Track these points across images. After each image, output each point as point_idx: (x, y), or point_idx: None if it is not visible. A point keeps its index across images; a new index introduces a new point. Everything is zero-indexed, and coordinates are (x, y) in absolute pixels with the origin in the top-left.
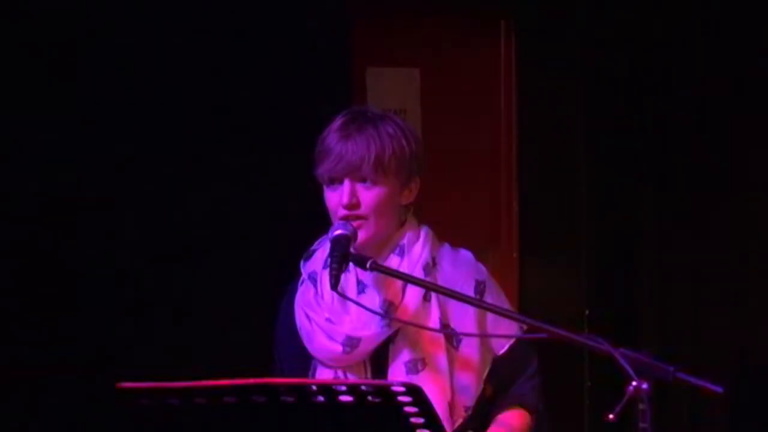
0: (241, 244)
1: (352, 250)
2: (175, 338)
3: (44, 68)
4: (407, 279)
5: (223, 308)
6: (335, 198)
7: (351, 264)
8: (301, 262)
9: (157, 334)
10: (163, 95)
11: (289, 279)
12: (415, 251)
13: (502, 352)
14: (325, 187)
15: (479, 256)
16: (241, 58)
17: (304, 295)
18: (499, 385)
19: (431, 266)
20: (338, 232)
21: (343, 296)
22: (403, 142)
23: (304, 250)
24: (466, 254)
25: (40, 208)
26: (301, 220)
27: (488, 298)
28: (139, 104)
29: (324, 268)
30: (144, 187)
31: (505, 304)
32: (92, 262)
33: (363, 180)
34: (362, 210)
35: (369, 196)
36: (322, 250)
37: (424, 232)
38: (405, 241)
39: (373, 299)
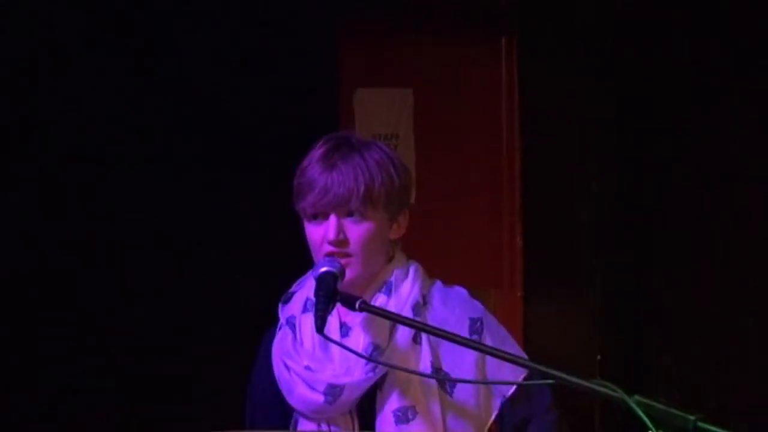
0: (217, 284)
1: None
2: (152, 388)
3: (38, 68)
4: (401, 320)
5: (196, 355)
6: (319, 233)
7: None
8: (279, 306)
9: (134, 383)
10: (146, 118)
11: (269, 324)
12: (403, 289)
13: (510, 393)
14: (306, 222)
15: (479, 296)
16: (221, 81)
17: (281, 342)
18: (515, 428)
19: (421, 305)
20: (324, 269)
21: (330, 339)
22: (392, 171)
23: (283, 292)
24: (459, 291)
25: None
26: (280, 258)
27: (487, 338)
28: (127, 126)
29: (303, 311)
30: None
31: (507, 343)
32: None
33: (350, 214)
34: (350, 247)
35: (357, 231)
36: (301, 292)
37: (413, 268)
38: (392, 278)
39: (357, 343)
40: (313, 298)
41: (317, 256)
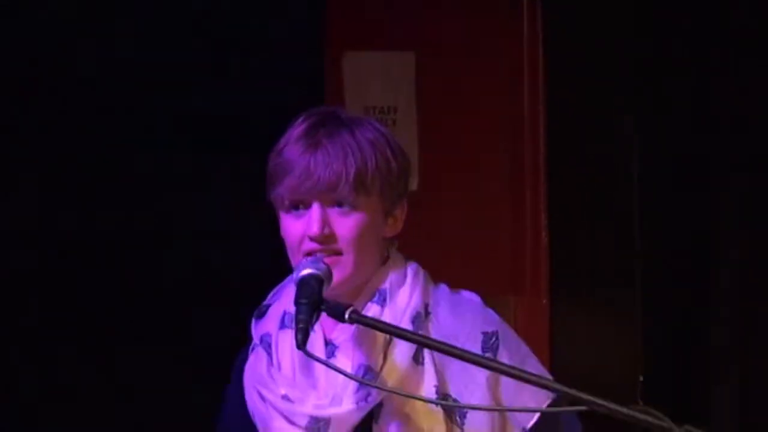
0: (216, 284)
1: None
2: (150, 389)
3: (37, 67)
4: (403, 335)
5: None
6: (299, 227)
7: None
8: (252, 322)
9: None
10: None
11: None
12: (400, 298)
13: (530, 424)
14: (282, 213)
15: (496, 304)
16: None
17: (254, 366)
18: None
19: (423, 316)
20: (307, 271)
21: (313, 356)
22: (388, 153)
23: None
24: (470, 298)
25: None
26: (257, 252)
27: (504, 356)
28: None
29: (281, 328)
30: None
31: (529, 362)
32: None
33: (338, 203)
34: (338, 243)
35: (346, 224)
36: (277, 305)
37: (411, 271)
38: (387, 284)
39: (345, 364)
40: (292, 311)
41: (295, 255)
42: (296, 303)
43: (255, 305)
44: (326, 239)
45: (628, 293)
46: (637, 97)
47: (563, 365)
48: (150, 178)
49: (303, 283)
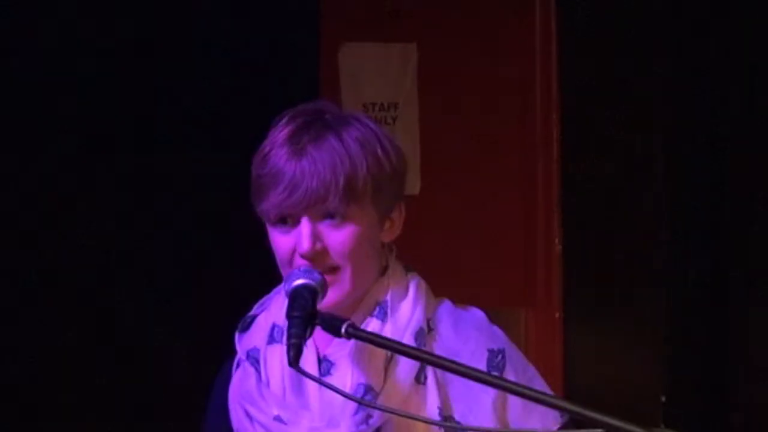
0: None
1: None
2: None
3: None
4: (407, 351)
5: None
6: (288, 243)
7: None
8: (236, 335)
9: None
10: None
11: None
12: (402, 313)
13: None
14: (269, 227)
15: (507, 317)
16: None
17: (241, 383)
18: None
19: (425, 333)
20: (299, 282)
21: (306, 374)
22: (379, 152)
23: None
24: (475, 314)
25: None
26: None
27: (510, 375)
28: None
29: (270, 342)
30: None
31: (536, 383)
32: None
33: (329, 215)
34: (332, 259)
35: (339, 237)
36: (265, 316)
37: (413, 284)
38: (388, 297)
39: (343, 383)
40: (282, 323)
41: (285, 269)
42: (288, 317)
43: (239, 316)
44: (318, 255)
45: (647, 307)
46: (663, 100)
47: (578, 384)
48: (140, 177)
49: (295, 295)
